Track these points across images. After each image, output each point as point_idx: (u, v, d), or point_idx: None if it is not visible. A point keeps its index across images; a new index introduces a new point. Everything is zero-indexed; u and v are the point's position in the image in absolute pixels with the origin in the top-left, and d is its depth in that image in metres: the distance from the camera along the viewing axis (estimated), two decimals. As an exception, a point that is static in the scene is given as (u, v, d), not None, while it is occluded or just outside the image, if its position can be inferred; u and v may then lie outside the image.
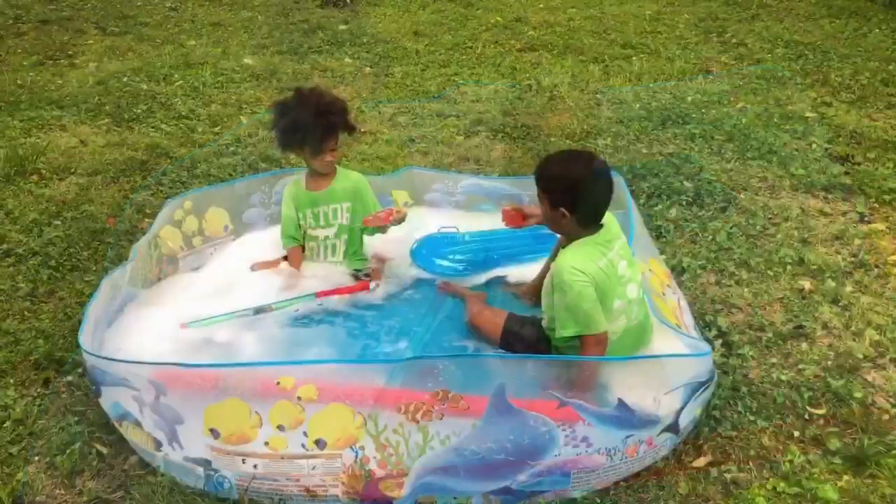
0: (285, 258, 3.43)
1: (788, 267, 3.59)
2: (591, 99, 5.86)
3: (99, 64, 6.63)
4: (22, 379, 2.88)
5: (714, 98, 5.79)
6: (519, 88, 6.08)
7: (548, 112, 5.60)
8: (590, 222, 2.63)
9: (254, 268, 3.39)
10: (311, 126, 3.11)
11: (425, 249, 3.62)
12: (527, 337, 2.86)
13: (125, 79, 6.21)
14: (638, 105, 5.66)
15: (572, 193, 2.56)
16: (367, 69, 6.63)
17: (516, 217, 3.14)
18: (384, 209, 3.31)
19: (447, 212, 3.89)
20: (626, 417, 2.38)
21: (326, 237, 3.33)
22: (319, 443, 2.27)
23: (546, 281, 2.73)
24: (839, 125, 5.21)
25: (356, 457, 2.28)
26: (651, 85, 6.11)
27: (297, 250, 3.40)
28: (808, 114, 5.43)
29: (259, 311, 3.08)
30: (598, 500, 2.39)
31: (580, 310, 2.53)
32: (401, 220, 3.24)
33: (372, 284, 3.32)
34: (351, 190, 3.34)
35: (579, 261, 2.54)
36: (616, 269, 2.60)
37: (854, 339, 3.10)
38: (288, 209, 3.38)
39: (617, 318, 2.61)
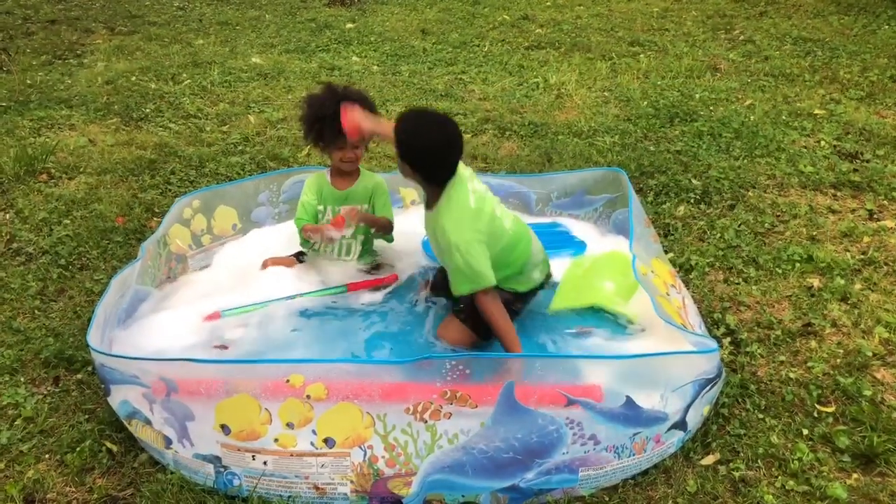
0: (297, 256, 3.44)
1: (797, 264, 3.58)
2: (598, 97, 5.85)
3: (107, 63, 6.66)
4: (32, 377, 2.90)
5: (722, 95, 5.78)
6: (526, 86, 6.08)
7: (555, 110, 5.60)
8: (440, 182, 2.76)
9: (265, 265, 3.38)
10: (330, 119, 3.07)
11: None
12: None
13: (133, 78, 6.24)
14: (646, 102, 5.65)
15: (418, 158, 2.72)
16: (375, 67, 6.64)
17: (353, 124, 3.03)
18: (333, 219, 3.27)
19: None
20: (633, 415, 2.38)
21: (343, 236, 3.31)
22: (328, 441, 2.28)
23: (432, 241, 2.83)
24: (848, 122, 5.19)
25: (365, 456, 2.29)
26: (659, 82, 6.10)
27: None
28: (816, 111, 5.42)
29: (289, 299, 3.10)
30: (606, 498, 2.40)
31: (470, 267, 2.67)
32: (330, 237, 3.24)
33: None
34: (370, 190, 3.35)
35: (460, 213, 2.72)
36: (484, 196, 2.81)
37: (863, 337, 3.09)
38: (308, 197, 3.35)
39: (503, 236, 2.82)
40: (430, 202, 2.83)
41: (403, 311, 3.20)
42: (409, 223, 3.62)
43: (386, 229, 3.35)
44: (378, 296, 3.27)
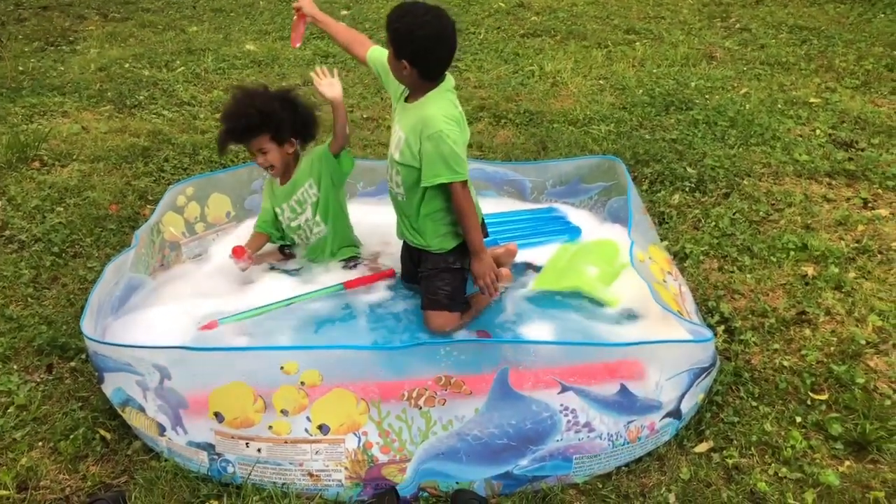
0: (281, 249, 3.44)
1: (791, 253, 3.58)
2: (593, 85, 5.83)
3: (100, 50, 6.61)
4: (25, 365, 2.89)
5: (718, 84, 5.77)
6: (522, 74, 6.06)
7: (550, 98, 5.58)
8: (435, 77, 2.75)
9: (241, 254, 3.20)
10: (231, 133, 3.19)
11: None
12: (448, 282, 2.94)
13: (127, 65, 6.20)
14: (641, 91, 5.64)
15: (416, 49, 2.64)
16: (370, 55, 6.60)
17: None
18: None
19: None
20: (627, 402, 2.38)
21: (307, 220, 3.29)
22: (323, 428, 2.27)
23: (402, 136, 2.79)
24: (843, 111, 5.19)
25: (359, 442, 2.29)
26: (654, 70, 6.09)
27: (261, 237, 3.37)
28: (812, 99, 5.41)
29: (289, 304, 3.05)
30: (600, 485, 2.40)
31: (455, 156, 2.69)
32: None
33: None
34: (311, 165, 3.24)
35: (447, 110, 2.73)
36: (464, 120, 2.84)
37: (857, 325, 3.10)
38: (265, 202, 3.40)
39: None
40: (415, 96, 2.81)
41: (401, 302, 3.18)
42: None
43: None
44: (377, 292, 3.24)
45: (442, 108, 2.73)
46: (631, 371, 2.41)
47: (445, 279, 2.94)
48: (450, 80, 2.80)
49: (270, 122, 3.12)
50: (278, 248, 3.46)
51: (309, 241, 3.37)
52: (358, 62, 3.16)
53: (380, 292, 3.23)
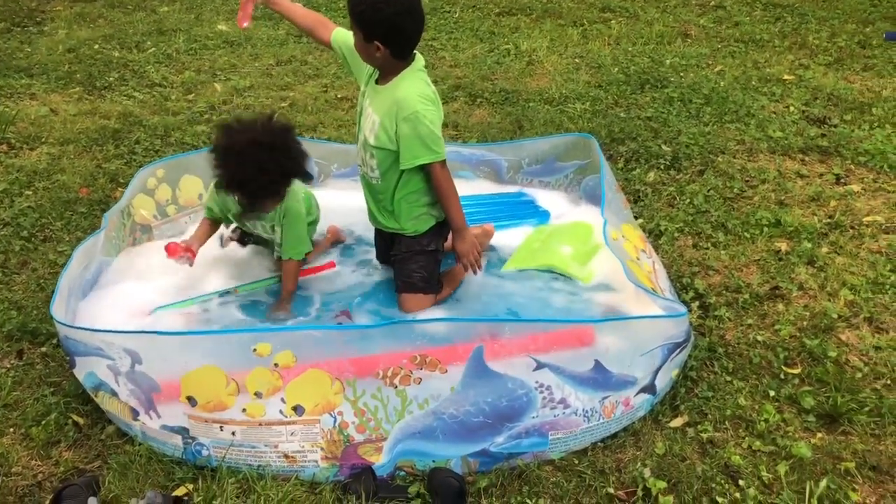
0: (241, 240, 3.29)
1: (765, 229, 3.60)
2: (569, 63, 5.82)
3: (69, 31, 6.49)
4: (-5, 350, 2.85)
5: (692, 61, 5.77)
6: (497, 53, 6.03)
7: (526, 77, 5.56)
8: (407, 55, 2.70)
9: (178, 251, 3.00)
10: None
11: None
12: (422, 266, 2.92)
13: (96, 46, 6.09)
14: (616, 69, 5.63)
15: (388, 30, 2.58)
16: (344, 35, 6.53)
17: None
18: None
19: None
20: (602, 379, 2.39)
21: (268, 237, 3.14)
22: (297, 409, 2.26)
23: (377, 120, 2.73)
24: (816, 87, 5.22)
25: (334, 422, 2.28)
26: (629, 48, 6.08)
27: (210, 225, 3.12)
28: (785, 76, 5.43)
29: (224, 294, 3.02)
30: (576, 461, 2.41)
31: (433, 136, 2.67)
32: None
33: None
34: (281, 215, 3.00)
35: (421, 89, 2.68)
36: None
37: (829, 300, 3.13)
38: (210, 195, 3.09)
39: None
40: (386, 77, 2.74)
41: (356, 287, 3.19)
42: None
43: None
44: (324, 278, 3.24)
45: (416, 87, 2.69)
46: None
47: (420, 262, 2.93)
48: (419, 59, 2.76)
49: (283, 184, 2.83)
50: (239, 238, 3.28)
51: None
52: (320, 45, 3.00)
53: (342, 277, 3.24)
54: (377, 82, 2.79)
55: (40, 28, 6.60)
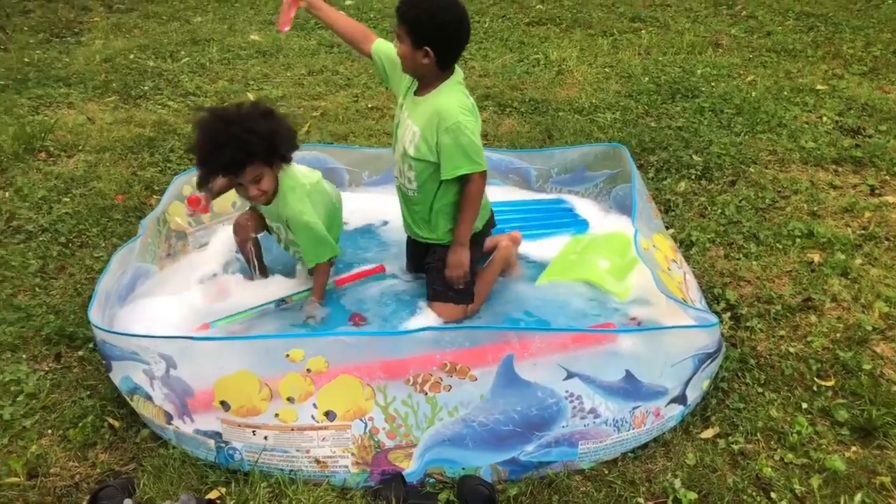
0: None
1: (797, 240, 3.57)
2: (599, 73, 5.82)
3: (105, 41, 6.61)
4: (34, 354, 2.91)
5: (724, 71, 5.74)
6: (527, 63, 6.04)
7: (556, 86, 5.57)
8: (452, 65, 2.72)
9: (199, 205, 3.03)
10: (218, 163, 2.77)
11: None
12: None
13: (132, 56, 6.20)
14: (647, 79, 5.62)
15: (442, 33, 2.60)
16: (374, 44, 6.58)
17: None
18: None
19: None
20: (633, 389, 2.39)
21: (287, 241, 3.13)
22: (329, 415, 2.28)
23: (416, 131, 2.74)
24: (850, 97, 5.17)
25: (365, 428, 2.30)
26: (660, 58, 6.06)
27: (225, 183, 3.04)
28: (819, 86, 5.38)
29: (280, 303, 3.05)
30: (606, 472, 2.41)
31: (475, 147, 2.67)
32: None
33: None
34: (282, 215, 2.98)
35: (462, 100, 2.70)
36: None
37: (863, 312, 3.09)
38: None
39: None
40: (426, 88, 2.76)
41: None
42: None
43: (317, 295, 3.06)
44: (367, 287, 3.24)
45: (456, 98, 2.71)
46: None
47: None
48: (459, 71, 2.78)
49: (266, 143, 2.74)
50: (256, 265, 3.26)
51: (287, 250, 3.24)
52: (359, 54, 3.02)
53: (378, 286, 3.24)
54: (416, 93, 2.80)
55: (78, 38, 6.73)
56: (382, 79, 2.97)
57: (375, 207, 3.72)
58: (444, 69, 2.71)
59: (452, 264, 2.85)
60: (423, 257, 3.05)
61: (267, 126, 2.74)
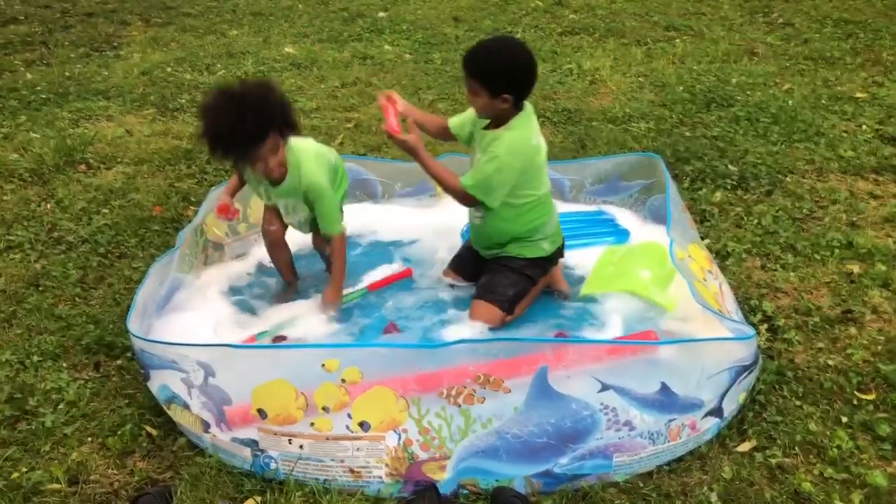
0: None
1: (836, 251, 3.52)
2: (633, 82, 5.79)
3: (143, 55, 6.74)
4: (74, 363, 2.96)
5: (759, 80, 5.69)
6: (560, 73, 6.04)
7: (589, 96, 5.55)
8: (525, 97, 2.83)
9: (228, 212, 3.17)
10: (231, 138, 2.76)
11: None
12: (511, 284, 3.00)
13: (169, 69, 6.31)
14: (681, 88, 5.58)
15: (516, 78, 2.73)
16: (407, 56, 6.63)
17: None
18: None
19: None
20: (668, 401, 2.36)
21: (300, 219, 3.15)
22: (363, 425, 2.29)
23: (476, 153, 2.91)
24: (891, 105, 5.09)
25: (399, 439, 2.30)
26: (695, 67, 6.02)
27: (235, 179, 3.20)
28: (858, 94, 5.31)
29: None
30: (641, 485, 2.38)
31: (491, 183, 2.81)
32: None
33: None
34: (297, 189, 3.00)
35: (525, 137, 2.83)
36: (542, 146, 2.93)
37: (905, 324, 3.04)
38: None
39: (535, 189, 2.95)
40: (499, 125, 2.86)
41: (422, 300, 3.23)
42: (445, 213, 3.62)
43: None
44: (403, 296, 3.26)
45: (519, 134, 2.82)
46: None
47: (511, 279, 3.00)
48: (528, 105, 2.88)
49: (280, 110, 2.78)
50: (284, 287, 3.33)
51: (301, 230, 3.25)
52: (441, 139, 3.23)
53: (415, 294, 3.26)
54: (487, 128, 2.91)
55: (117, 52, 6.87)
56: (463, 142, 3.11)
57: (406, 223, 3.78)
58: (518, 109, 2.82)
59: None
60: (481, 264, 3.13)
61: (274, 95, 2.79)
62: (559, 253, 3.15)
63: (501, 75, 2.71)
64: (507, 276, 3.00)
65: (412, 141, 2.83)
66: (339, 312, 3.07)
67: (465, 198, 2.88)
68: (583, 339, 2.86)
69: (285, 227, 3.25)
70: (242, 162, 2.90)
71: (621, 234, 3.59)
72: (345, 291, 3.17)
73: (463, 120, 3.06)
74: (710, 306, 2.62)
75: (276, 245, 3.25)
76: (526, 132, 2.84)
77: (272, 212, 3.19)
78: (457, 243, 3.42)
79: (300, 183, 2.97)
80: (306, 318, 3.04)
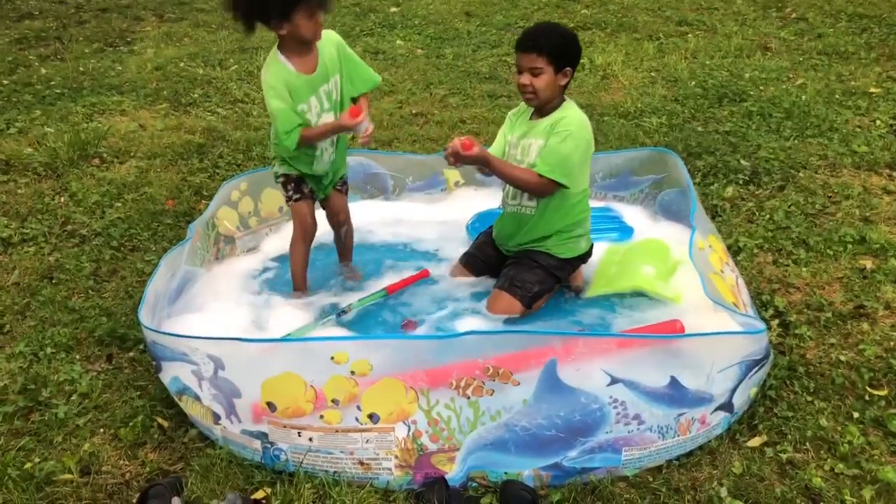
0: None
1: (849, 246, 3.49)
2: (645, 77, 5.77)
3: (156, 50, 6.77)
4: (87, 354, 2.98)
5: (773, 75, 5.66)
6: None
7: (601, 91, 5.54)
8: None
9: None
10: None
11: (480, 224, 3.61)
12: (538, 281, 3.00)
13: (182, 64, 6.34)
14: (693, 83, 5.56)
15: (575, 51, 2.88)
16: (419, 51, 6.64)
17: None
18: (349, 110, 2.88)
19: (497, 191, 3.89)
20: (678, 395, 2.36)
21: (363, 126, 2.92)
22: (373, 417, 2.30)
23: (541, 143, 2.90)
24: (905, 100, 5.05)
25: (408, 431, 2.31)
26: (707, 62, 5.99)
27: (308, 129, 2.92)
28: (872, 89, 5.27)
29: (341, 313, 3.06)
30: (650, 479, 2.38)
31: (571, 161, 2.84)
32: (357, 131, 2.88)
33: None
34: (336, 57, 2.92)
35: (585, 118, 2.93)
36: None
37: (918, 320, 3.02)
38: (281, 101, 2.79)
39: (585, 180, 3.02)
40: (548, 111, 2.93)
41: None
42: (454, 208, 3.63)
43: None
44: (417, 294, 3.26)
45: (579, 114, 2.93)
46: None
47: (539, 276, 3.01)
48: None
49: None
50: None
51: (324, 157, 3.06)
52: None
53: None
54: (533, 118, 2.97)
55: (130, 47, 6.91)
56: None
57: (418, 220, 3.81)
58: (567, 83, 2.93)
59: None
60: (502, 260, 3.15)
61: None
62: (590, 252, 3.18)
63: (565, 47, 2.83)
64: (536, 272, 3.01)
65: (480, 152, 2.81)
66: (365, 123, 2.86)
67: (545, 186, 2.87)
68: (591, 332, 2.86)
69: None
70: (279, 19, 2.73)
71: (625, 232, 3.59)
72: (362, 294, 3.17)
73: (498, 143, 3.12)
74: (723, 300, 2.61)
75: (309, 243, 3.19)
76: (581, 112, 2.93)
77: (311, 204, 3.15)
78: (466, 237, 3.43)
79: (328, 42, 2.90)
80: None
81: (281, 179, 3.10)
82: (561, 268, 3.07)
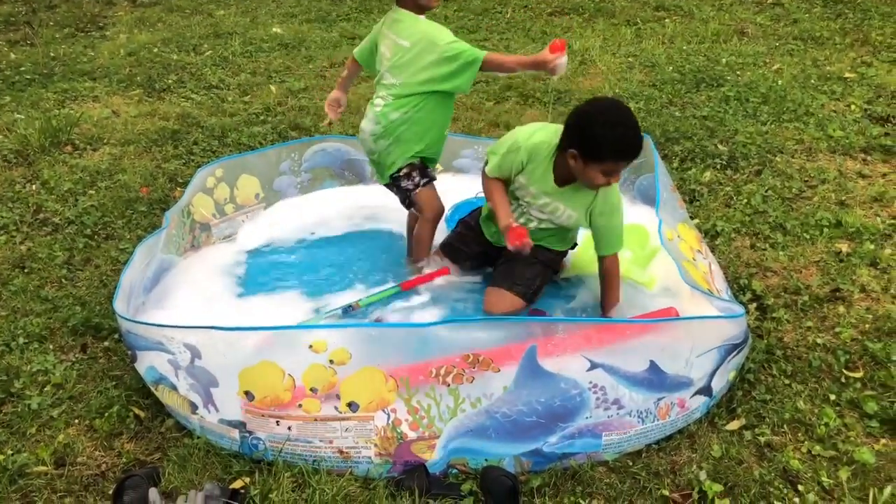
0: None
1: (825, 230, 3.52)
2: (622, 62, 5.77)
3: (129, 35, 6.66)
4: (60, 345, 2.94)
5: (749, 60, 5.67)
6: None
7: (579, 76, 5.53)
8: None
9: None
10: None
11: (458, 215, 3.58)
12: (538, 275, 2.99)
13: (155, 49, 6.25)
14: (671, 68, 5.56)
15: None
16: (396, 36, 6.57)
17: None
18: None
19: (476, 177, 3.86)
20: (657, 380, 2.36)
21: (382, 100, 3.07)
22: (352, 406, 2.28)
23: (573, 215, 2.86)
24: (880, 85, 5.08)
25: (388, 419, 2.30)
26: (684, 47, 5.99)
27: (354, 65, 3.34)
28: (847, 74, 5.30)
29: (347, 309, 3.03)
30: (630, 463, 2.39)
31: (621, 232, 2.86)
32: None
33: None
34: (423, 34, 3.13)
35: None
36: None
37: (893, 302, 3.04)
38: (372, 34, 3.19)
39: None
40: (571, 179, 2.79)
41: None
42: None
43: None
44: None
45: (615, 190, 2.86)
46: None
47: (537, 271, 2.99)
48: None
49: None
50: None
51: (369, 143, 3.13)
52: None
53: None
54: (557, 181, 2.85)
55: (102, 33, 6.79)
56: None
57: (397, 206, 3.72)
58: None
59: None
60: (486, 254, 3.14)
61: None
62: (574, 244, 3.19)
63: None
64: (534, 266, 2.98)
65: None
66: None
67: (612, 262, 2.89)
68: (571, 318, 2.86)
69: None
70: None
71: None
72: (375, 290, 3.13)
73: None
74: (700, 286, 2.62)
75: (438, 222, 3.25)
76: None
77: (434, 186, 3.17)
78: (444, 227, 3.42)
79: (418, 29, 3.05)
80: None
81: (405, 171, 3.08)
82: (556, 259, 3.10)
